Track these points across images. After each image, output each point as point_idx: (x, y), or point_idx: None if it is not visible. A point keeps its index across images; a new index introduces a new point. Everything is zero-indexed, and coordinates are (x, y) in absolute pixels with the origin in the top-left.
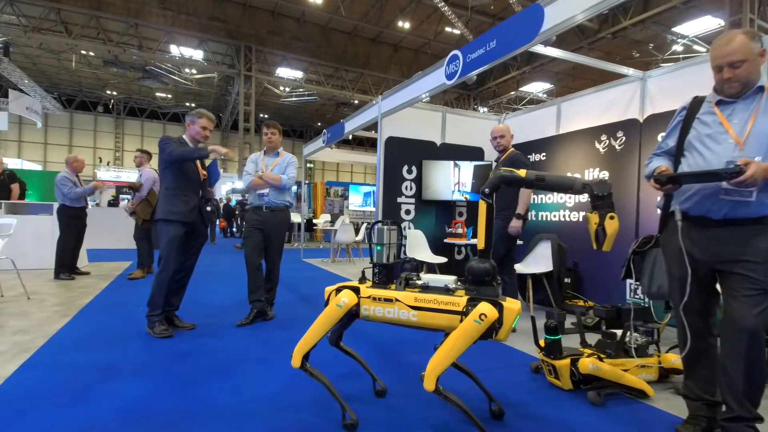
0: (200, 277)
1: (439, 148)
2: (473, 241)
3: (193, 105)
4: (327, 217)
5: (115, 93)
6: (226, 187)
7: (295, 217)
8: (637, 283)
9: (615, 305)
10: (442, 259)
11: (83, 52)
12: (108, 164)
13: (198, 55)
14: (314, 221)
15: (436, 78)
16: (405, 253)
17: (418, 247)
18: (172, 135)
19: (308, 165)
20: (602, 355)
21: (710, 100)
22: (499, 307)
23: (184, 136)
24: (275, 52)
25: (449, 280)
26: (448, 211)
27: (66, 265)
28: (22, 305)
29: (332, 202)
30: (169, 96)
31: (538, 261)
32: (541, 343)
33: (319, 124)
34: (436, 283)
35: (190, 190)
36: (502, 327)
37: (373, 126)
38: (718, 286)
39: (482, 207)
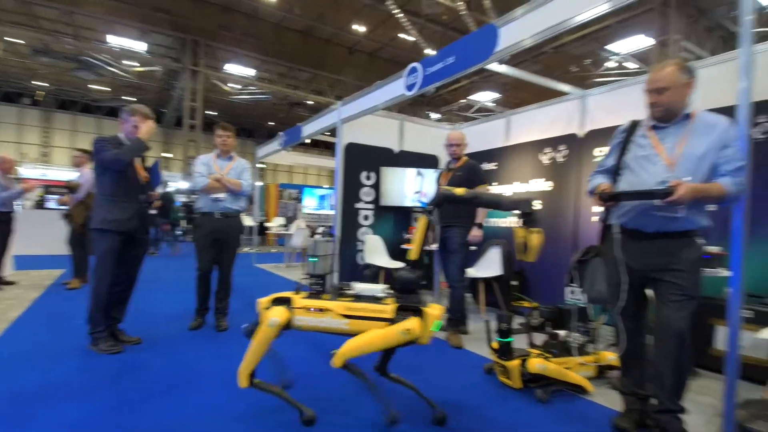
0: (143, 285)
1: (397, 155)
2: (430, 247)
3: (133, 99)
4: (281, 220)
5: (45, 84)
6: (170, 188)
7: (247, 221)
8: (580, 288)
9: (557, 306)
10: (400, 264)
11: (10, 39)
12: (35, 161)
13: (140, 47)
14: (267, 225)
15: (396, 88)
16: (363, 258)
17: (376, 252)
18: (108, 131)
19: (259, 166)
20: (548, 355)
21: (646, 123)
22: (422, 314)
23: (119, 135)
24: (225, 48)
25: (379, 289)
26: (405, 217)
27: None
28: None
29: (286, 204)
30: (106, 89)
31: (489, 266)
32: (494, 345)
33: (271, 123)
34: (367, 292)
35: (130, 196)
36: (424, 332)
37: (331, 130)
38: (649, 292)
39: (422, 221)
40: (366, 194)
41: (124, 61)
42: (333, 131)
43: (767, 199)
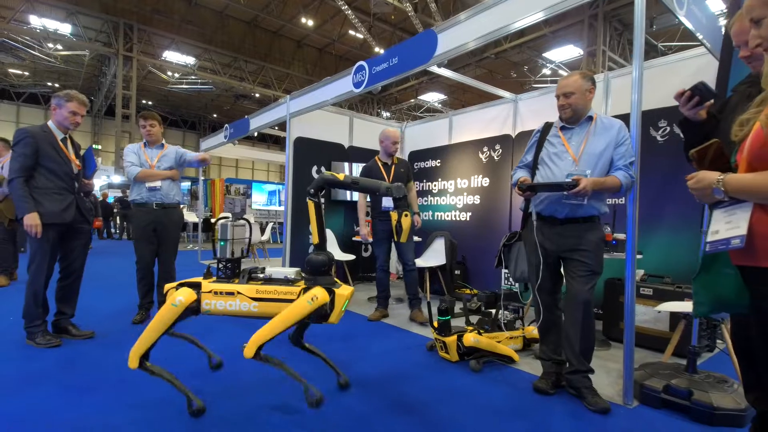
0: (84, 281)
1: (347, 150)
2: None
3: (56, 85)
4: (227, 215)
5: None
6: (101, 182)
7: (191, 216)
8: (506, 270)
9: (493, 291)
10: (351, 257)
11: None
12: None
13: (65, 29)
14: (213, 220)
15: (344, 84)
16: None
17: (328, 245)
18: (27, 119)
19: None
20: (482, 331)
21: (557, 125)
22: (332, 293)
23: (49, 123)
24: (162, 34)
25: (291, 271)
26: (355, 211)
27: None
28: None
29: (233, 200)
30: (26, 73)
31: (434, 256)
32: (435, 324)
33: (215, 115)
34: (278, 275)
35: (63, 186)
36: (334, 310)
37: (280, 124)
38: (562, 270)
39: (310, 206)
40: None
41: (48, 44)
42: (281, 125)
43: (666, 193)
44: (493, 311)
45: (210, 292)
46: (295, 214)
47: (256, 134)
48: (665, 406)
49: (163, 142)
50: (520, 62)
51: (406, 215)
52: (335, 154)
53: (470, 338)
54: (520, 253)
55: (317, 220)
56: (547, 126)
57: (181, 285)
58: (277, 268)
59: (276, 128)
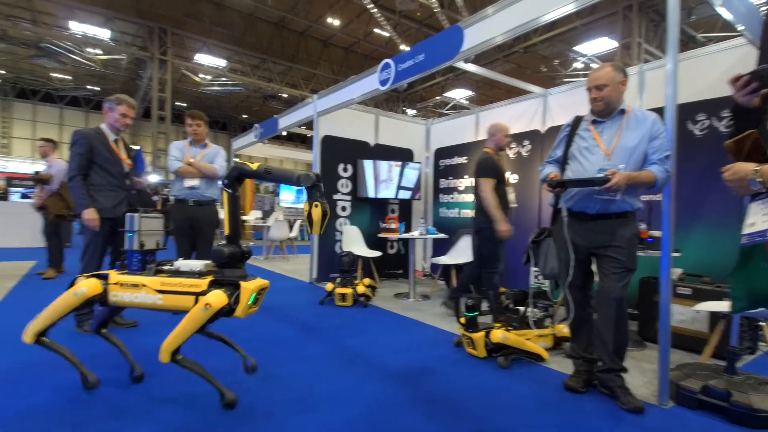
0: None
1: (373, 148)
2: (405, 235)
3: (96, 89)
4: (257, 213)
5: (1, 71)
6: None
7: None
8: (535, 268)
9: (521, 289)
10: (377, 253)
11: None
12: None
13: (104, 34)
14: (244, 218)
15: (370, 83)
16: (342, 247)
17: (353, 241)
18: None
19: (234, 160)
20: (510, 328)
21: (587, 119)
22: (236, 288)
23: (102, 125)
24: (194, 37)
25: (199, 264)
26: (381, 208)
27: None
28: None
29: (262, 198)
30: (68, 77)
31: (461, 253)
32: (462, 320)
33: (244, 116)
34: (186, 268)
35: (116, 184)
36: (239, 304)
37: (308, 123)
38: (593, 267)
39: (225, 197)
40: (343, 186)
41: (88, 49)
42: (309, 124)
43: (705, 188)
44: (522, 309)
45: (116, 283)
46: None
47: (284, 133)
48: (702, 407)
49: (207, 141)
50: (551, 56)
51: (316, 206)
52: (361, 151)
53: (498, 335)
54: (549, 249)
55: (230, 211)
56: (578, 120)
57: (93, 276)
58: (187, 261)
59: (303, 127)
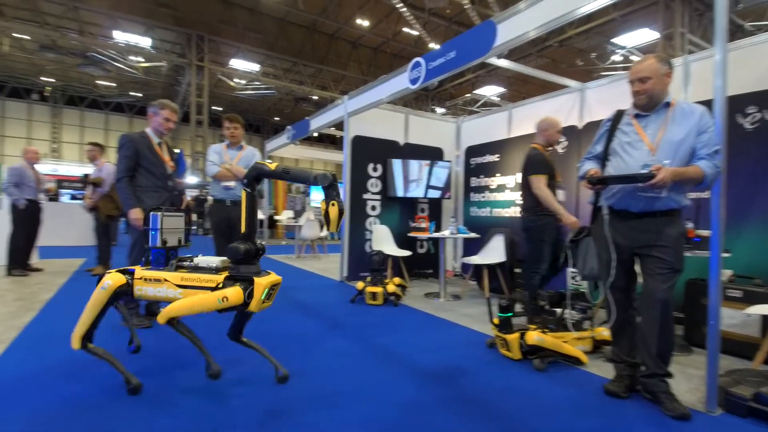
0: None
1: (403, 147)
2: (435, 234)
3: (139, 95)
4: (289, 213)
5: (52, 80)
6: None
7: (257, 214)
8: (573, 269)
9: (558, 291)
10: (407, 252)
11: (16, 35)
12: (45, 156)
13: (145, 42)
14: (276, 218)
15: (400, 82)
16: (372, 247)
17: (383, 241)
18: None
19: (267, 161)
20: (546, 330)
21: (629, 113)
22: (251, 283)
23: (147, 129)
24: (229, 43)
25: (216, 260)
26: (411, 207)
27: (19, 262)
28: None
29: (294, 198)
30: (113, 84)
31: (493, 253)
32: (495, 321)
33: (276, 118)
34: (205, 263)
35: (159, 185)
36: (253, 299)
37: (338, 124)
38: (637, 267)
39: (243, 196)
40: (373, 185)
41: (130, 57)
42: (339, 125)
43: (758, 185)
44: (558, 311)
45: (141, 278)
46: (353, 211)
47: (315, 135)
48: (753, 414)
49: (242, 143)
50: (587, 49)
51: (333, 204)
52: (391, 151)
53: (533, 336)
54: (589, 249)
55: (248, 210)
56: (619, 114)
57: (119, 271)
58: (206, 258)
59: (333, 128)
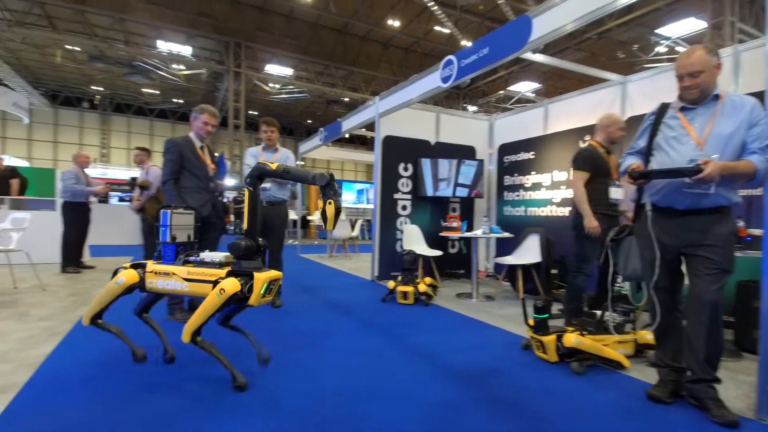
0: None
1: (433, 146)
2: (467, 234)
3: (181, 101)
4: (341, 215)
5: (101, 89)
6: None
7: (290, 214)
8: (615, 266)
9: (597, 293)
10: (438, 252)
11: (68, 47)
12: (95, 161)
13: (186, 50)
14: (309, 218)
15: (431, 81)
16: (402, 246)
17: (414, 240)
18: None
19: (299, 163)
20: (584, 332)
21: (675, 106)
22: (250, 278)
23: (190, 134)
24: (264, 49)
25: (221, 256)
26: (442, 207)
27: (72, 259)
28: (38, 296)
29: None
30: (157, 92)
31: (527, 253)
32: (530, 322)
33: (309, 121)
34: (209, 258)
35: (202, 186)
36: (253, 293)
37: (369, 124)
38: (683, 268)
39: (246, 194)
40: (404, 185)
41: (173, 65)
42: (370, 125)
43: None
44: (598, 312)
45: (152, 272)
46: (383, 211)
47: (346, 136)
48: None
49: (277, 146)
50: (629, 41)
51: (330, 203)
52: (422, 150)
53: (571, 339)
54: (631, 249)
55: (250, 208)
56: (664, 107)
57: (132, 265)
58: (211, 253)
59: (363, 129)
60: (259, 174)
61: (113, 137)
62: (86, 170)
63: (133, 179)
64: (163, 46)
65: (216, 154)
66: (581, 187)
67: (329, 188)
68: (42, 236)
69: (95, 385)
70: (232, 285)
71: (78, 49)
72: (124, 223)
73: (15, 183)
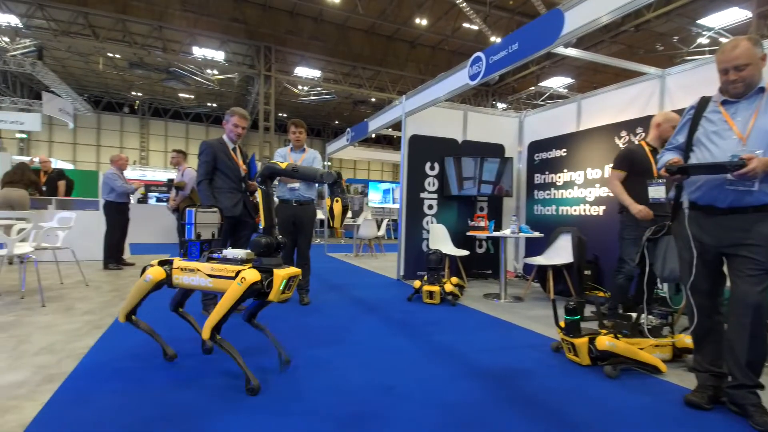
0: None
1: (461, 145)
2: (495, 234)
3: (214, 105)
4: (348, 213)
5: (140, 94)
6: None
7: (318, 213)
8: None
9: (633, 295)
10: (464, 252)
11: (110, 54)
12: (135, 163)
13: (219, 56)
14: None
15: (459, 78)
16: (429, 246)
17: (440, 240)
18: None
19: (326, 163)
20: (619, 335)
21: (716, 100)
22: (269, 273)
23: (223, 136)
24: (294, 52)
25: (243, 253)
26: (469, 206)
27: (113, 257)
28: (83, 291)
29: (352, 199)
30: (192, 96)
31: (559, 253)
32: (561, 324)
33: (336, 122)
34: (232, 255)
35: (234, 187)
36: (272, 289)
37: (396, 124)
38: (725, 269)
39: (259, 194)
40: (430, 184)
41: (207, 70)
42: (396, 125)
43: None
44: (633, 315)
45: (178, 268)
46: (409, 210)
47: (373, 136)
48: None
49: (305, 147)
50: (668, 33)
51: (337, 201)
52: (449, 149)
53: (605, 342)
54: (668, 248)
55: (264, 206)
56: (704, 101)
57: (160, 263)
58: (234, 250)
59: (390, 129)
60: (270, 173)
61: (152, 140)
62: (125, 172)
63: (170, 180)
64: (198, 51)
65: (248, 155)
66: (617, 183)
67: (336, 186)
68: (86, 235)
69: (129, 377)
70: (252, 274)
71: (118, 56)
72: (163, 222)
73: (62, 185)
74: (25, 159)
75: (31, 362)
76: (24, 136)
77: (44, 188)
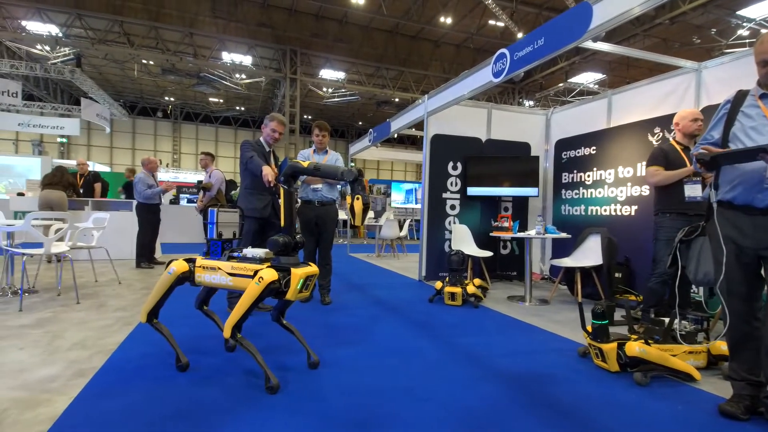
0: None
1: (484, 144)
2: (520, 234)
3: (242, 109)
4: (370, 213)
5: (172, 99)
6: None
7: (340, 214)
8: (684, 268)
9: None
10: (488, 253)
11: (144, 61)
12: (167, 166)
13: (247, 60)
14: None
15: (483, 76)
16: (451, 246)
17: (463, 241)
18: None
19: (351, 165)
20: (650, 341)
21: (754, 93)
22: (287, 272)
23: (260, 138)
24: (319, 54)
25: (262, 252)
26: (492, 206)
27: (145, 256)
28: (116, 288)
29: (375, 199)
30: (221, 101)
31: (587, 255)
32: (589, 328)
33: (359, 123)
34: (251, 254)
35: (265, 188)
36: (290, 288)
37: (418, 124)
38: (763, 272)
39: (282, 193)
40: (452, 184)
41: (235, 75)
42: (419, 125)
43: None
44: (666, 320)
45: (200, 266)
46: (431, 211)
47: (395, 136)
48: None
49: (327, 148)
50: (706, 25)
51: (357, 198)
52: (472, 148)
53: (635, 348)
54: (703, 250)
55: (286, 205)
56: (741, 95)
57: (185, 260)
58: (254, 249)
59: (413, 129)
60: (292, 172)
61: (183, 143)
62: (155, 174)
63: (199, 182)
64: (227, 57)
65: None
66: (659, 172)
67: (357, 184)
68: (119, 235)
69: (155, 373)
70: (270, 274)
71: (152, 62)
72: (193, 222)
73: (98, 187)
74: (66, 162)
75: (64, 357)
76: (64, 140)
77: (81, 190)
